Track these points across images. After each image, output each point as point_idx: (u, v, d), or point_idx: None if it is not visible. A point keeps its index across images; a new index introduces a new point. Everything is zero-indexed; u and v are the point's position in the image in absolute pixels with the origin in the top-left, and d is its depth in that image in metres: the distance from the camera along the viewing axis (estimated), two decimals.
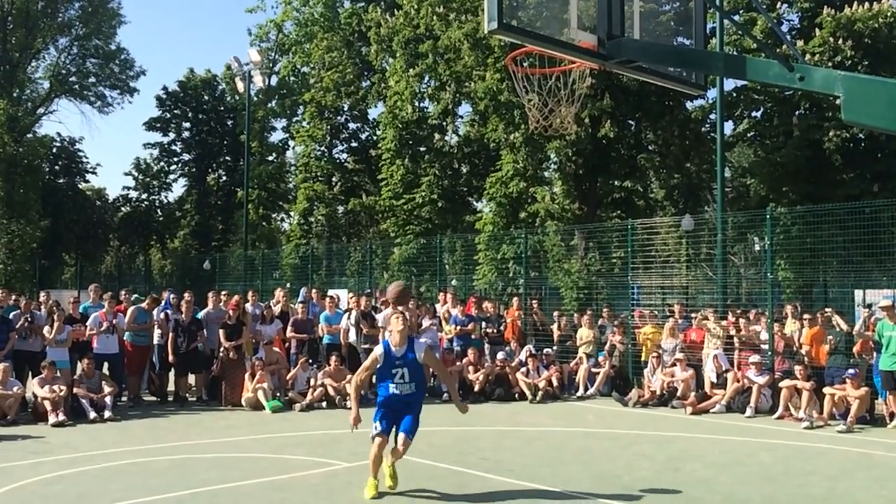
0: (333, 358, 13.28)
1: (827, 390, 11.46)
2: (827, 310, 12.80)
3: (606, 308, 16.55)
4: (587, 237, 23.23)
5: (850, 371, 11.32)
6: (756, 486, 7.77)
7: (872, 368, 11.69)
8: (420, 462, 8.70)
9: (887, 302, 11.79)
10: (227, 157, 45.57)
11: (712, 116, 25.59)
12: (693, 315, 14.82)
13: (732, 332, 13.57)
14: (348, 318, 14.30)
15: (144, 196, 46.77)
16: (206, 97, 45.39)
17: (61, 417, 11.02)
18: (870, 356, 11.90)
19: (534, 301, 17.15)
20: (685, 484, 7.83)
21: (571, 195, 25.95)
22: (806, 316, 12.70)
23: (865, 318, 12.42)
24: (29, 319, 12.50)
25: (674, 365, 13.42)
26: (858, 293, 17.17)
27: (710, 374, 13.10)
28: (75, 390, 11.71)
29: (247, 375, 12.91)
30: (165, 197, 47.25)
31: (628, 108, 25.66)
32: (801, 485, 7.88)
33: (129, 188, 46.55)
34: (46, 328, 12.53)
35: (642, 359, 14.62)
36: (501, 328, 15.46)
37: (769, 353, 12.94)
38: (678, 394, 13.04)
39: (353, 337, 14.11)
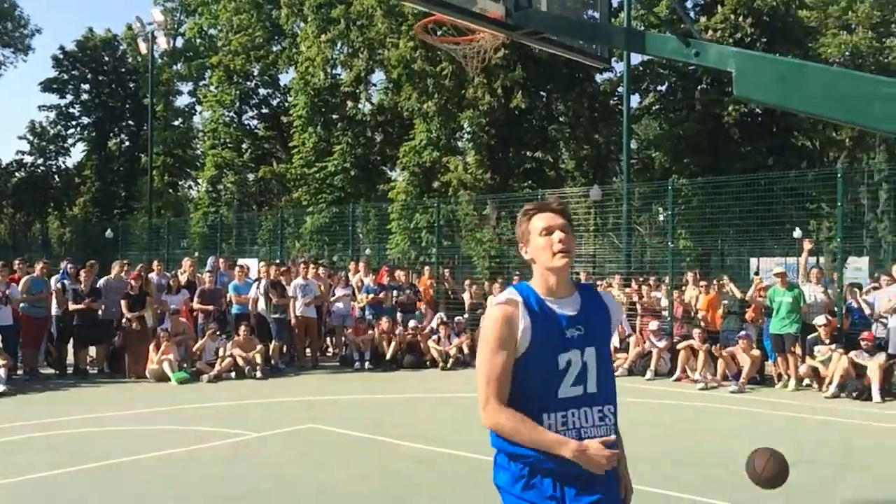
0: (242, 328, 13.08)
1: (721, 353, 12.06)
2: (724, 278, 13.39)
3: (517, 276, 16.86)
4: (499, 207, 23.52)
5: (742, 334, 11.95)
6: (656, 444, 8.14)
7: (763, 332, 12.36)
8: (334, 430, 8.73)
9: (780, 269, 12.48)
10: (130, 122, 43.72)
11: (620, 89, 26.22)
12: (598, 282, 15.28)
13: (635, 298, 14.08)
14: (258, 287, 14.09)
15: (40, 161, 44.43)
16: (106, 58, 43.31)
17: None
18: (761, 320, 12.56)
19: (446, 270, 17.31)
20: None
21: (484, 165, 26.20)
22: (702, 283, 13.27)
23: (757, 284, 13.10)
24: None
25: None
26: (753, 261, 18.07)
27: (614, 339, 13.59)
28: None
29: (151, 347, 12.58)
30: (63, 162, 45.07)
31: (540, 79, 26.00)
32: (697, 442, 8.31)
33: (23, 153, 44.22)
34: None
35: None
36: (414, 297, 15.56)
37: (668, 318, 13.50)
38: None
39: (262, 306, 13.93)
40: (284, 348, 14.05)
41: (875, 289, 12.08)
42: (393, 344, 14.05)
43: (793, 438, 8.41)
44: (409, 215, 24.67)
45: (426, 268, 17.32)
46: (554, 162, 29.57)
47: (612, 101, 28.33)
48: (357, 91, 31.11)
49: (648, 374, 12.61)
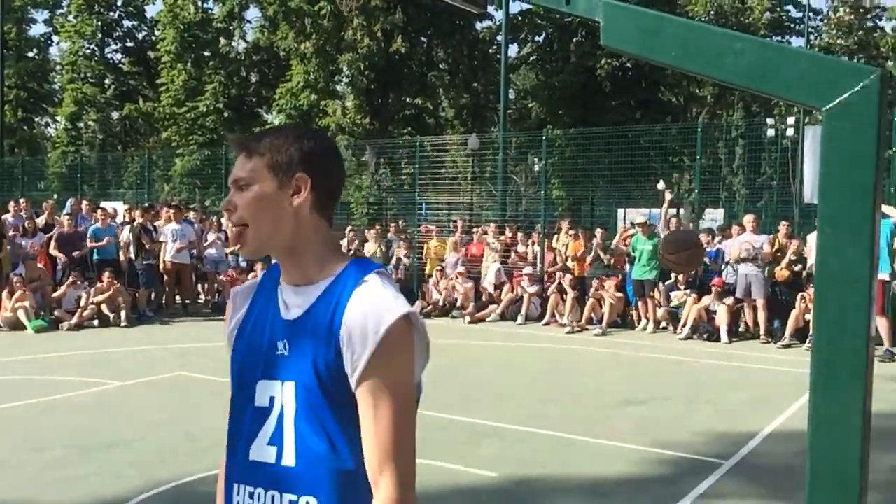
0: (106, 274, 12.51)
1: (589, 295, 12.64)
2: (597, 232, 13.88)
3: (394, 223, 16.91)
4: (378, 153, 23.37)
5: (608, 280, 12.56)
6: (523, 384, 8.52)
7: (626, 278, 13.03)
8: (199, 377, 8.58)
9: (642, 219, 13.15)
10: None
11: (499, 38, 26.40)
12: (475, 230, 15.58)
13: (510, 245, 14.49)
14: (128, 231, 13.45)
15: None
16: None
17: None
18: (624, 267, 13.22)
19: None
20: (462, 386, 8.40)
21: (363, 110, 25.89)
22: (571, 231, 13.78)
23: (622, 233, 13.75)
24: None
25: (456, 278, 14.11)
26: (621, 211, 18.91)
27: (488, 286, 13.96)
28: None
29: (4, 293, 11.83)
30: None
31: (420, 24, 25.80)
32: (562, 382, 8.75)
33: None
34: None
35: (426, 272, 15.21)
36: None
37: (540, 265, 13.98)
38: (458, 304, 13.79)
39: (131, 252, 13.34)
40: (153, 295, 13.57)
41: (726, 238, 12.93)
42: None
43: (649, 376, 9.01)
44: None
45: None
46: (434, 109, 29.60)
47: (490, 50, 28.52)
48: (230, 27, 29.81)
49: (520, 319, 13.07)
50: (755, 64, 1.91)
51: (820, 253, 1.90)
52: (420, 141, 17.39)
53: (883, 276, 9.91)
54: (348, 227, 17.00)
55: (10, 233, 12.90)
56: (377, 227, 16.46)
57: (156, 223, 13.94)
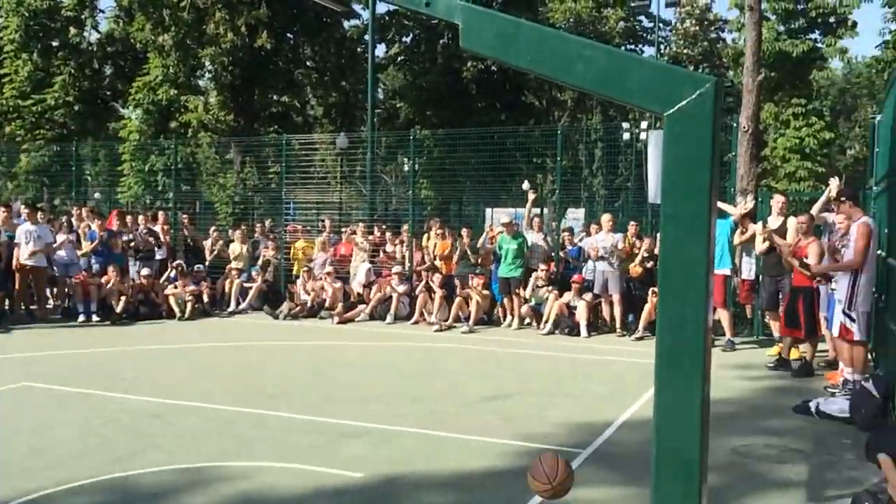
0: None
1: (457, 294, 12.82)
2: (463, 232, 14.05)
3: (260, 223, 16.50)
4: (244, 151, 22.72)
5: (475, 279, 12.80)
6: (391, 383, 8.53)
7: (492, 276, 13.32)
8: (45, 388, 8.04)
9: (507, 219, 13.49)
10: None
11: (367, 37, 26.30)
12: (343, 230, 15.46)
13: (378, 245, 14.47)
14: None
15: None
16: None
17: None
18: (489, 265, 13.50)
19: (184, 216, 16.47)
20: (328, 387, 8.31)
21: (227, 106, 25.08)
22: (439, 231, 13.94)
23: (489, 233, 14.04)
24: None
25: (324, 278, 13.94)
26: (488, 211, 19.32)
27: (357, 286, 13.88)
28: None
29: None
30: None
31: (286, 20, 25.29)
32: (429, 380, 8.82)
33: None
34: None
35: (294, 272, 14.94)
36: (152, 243, 14.61)
37: (409, 264, 14.05)
38: (326, 304, 13.63)
39: None
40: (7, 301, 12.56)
41: (587, 236, 13.48)
42: (124, 294, 13.15)
43: (513, 371, 9.25)
44: (144, 157, 22.99)
45: (160, 213, 16.35)
46: (301, 107, 29.11)
47: (359, 49, 28.37)
48: (82, 17, 28.09)
49: (389, 318, 13.08)
50: (604, 70, 2.00)
51: (662, 250, 2.01)
52: (287, 139, 17.04)
53: (724, 271, 10.64)
54: (212, 228, 16.44)
55: None
56: (243, 227, 16.00)
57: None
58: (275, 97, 27.09)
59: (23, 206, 13.72)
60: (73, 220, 14.91)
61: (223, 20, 22.72)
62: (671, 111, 1.93)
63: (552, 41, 2.05)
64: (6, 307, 12.93)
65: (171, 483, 5.27)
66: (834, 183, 9.64)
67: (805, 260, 8.82)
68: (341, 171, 24.36)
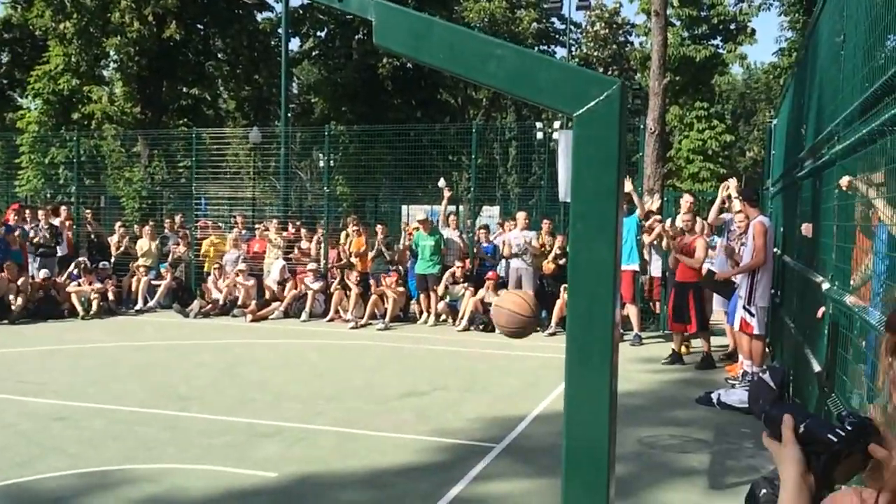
0: None
1: (372, 291, 12.79)
2: (378, 228, 14.01)
3: (169, 219, 16.01)
4: (151, 144, 21.99)
5: (390, 276, 12.80)
6: (306, 382, 8.44)
7: (409, 272, 13.35)
8: None
9: (422, 216, 13.54)
10: None
11: (280, 31, 25.86)
12: (257, 226, 15.18)
13: (293, 242, 14.28)
14: None
15: None
16: None
17: None
18: (406, 262, 13.53)
19: (87, 211, 15.83)
20: (241, 386, 8.16)
21: (133, 98, 24.22)
22: (354, 227, 13.87)
23: (406, 230, 14.06)
24: None
25: (237, 275, 13.66)
26: (404, 208, 19.33)
27: (271, 283, 13.66)
28: None
29: None
30: None
31: (196, 10, 24.63)
32: (344, 378, 8.76)
33: None
34: None
35: (205, 269, 14.58)
36: (52, 238, 13.97)
37: (324, 261, 13.93)
38: (239, 302, 13.37)
39: None
40: None
41: (502, 233, 13.67)
42: (22, 292, 12.54)
43: (429, 368, 9.31)
44: (44, 149, 21.96)
45: (62, 208, 15.66)
46: (212, 100, 28.39)
47: (272, 42, 27.86)
48: None
49: (304, 316, 12.94)
50: (515, 70, 2.05)
51: (572, 247, 2.08)
52: (197, 133, 16.59)
53: (632, 266, 10.99)
54: (118, 223, 15.85)
55: None
56: (151, 222, 15.50)
57: None
58: (184, 89, 26.32)
59: None
60: None
61: (129, 9, 21.93)
62: (580, 111, 1.99)
63: (464, 40, 2.08)
64: None
65: (74, 488, 5.09)
66: (732, 183, 10.08)
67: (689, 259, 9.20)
68: (255, 166, 23.89)
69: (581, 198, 2.02)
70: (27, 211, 14.89)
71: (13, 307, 12.41)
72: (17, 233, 13.46)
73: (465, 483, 5.11)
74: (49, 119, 23.65)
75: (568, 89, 2.02)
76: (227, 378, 8.68)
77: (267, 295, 13.59)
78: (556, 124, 24.37)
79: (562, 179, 11.61)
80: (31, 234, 13.90)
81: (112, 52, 24.13)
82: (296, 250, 14.29)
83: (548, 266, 12.20)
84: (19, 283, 12.60)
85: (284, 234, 14.58)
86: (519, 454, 5.83)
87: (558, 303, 11.60)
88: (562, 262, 11.98)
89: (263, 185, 23.56)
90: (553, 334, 11.52)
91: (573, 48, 37.10)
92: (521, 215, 12.71)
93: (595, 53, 37.65)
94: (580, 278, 2.04)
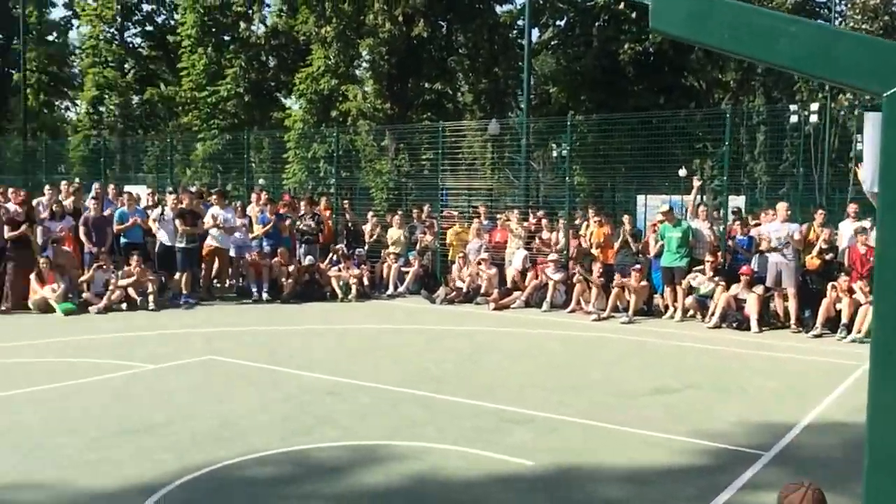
0: (134, 258, 12.55)
1: (613, 284, 12.54)
2: (624, 218, 13.71)
3: (417, 209, 16.81)
4: (398, 138, 23.29)
5: (635, 267, 12.45)
6: (548, 372, 8.47)
7: (652, 265, 12.92)
8: (229, 362, 8.60)
9: (665, 207, 13.03)
10: None
11: (520, 22, 26.19)
12: (498, 216, 15.50)
13: (533, 232, 14.41)
14: (161, 215, 13.41)
15: None
16: None
17: None
18: (649, 254, 13.10)
19: (345, 201, 17.11)
20: (486, 372, 8.37)
21: (383, 95, 25.77)
22: (596, 218, 13.68)
23: (652, 221, 13.62)
24: None
25: (479, 264, 14.06)
26: (640, 198, 18.76)
27: (512, 272, 13.89)
28: None
29: (33, 276, 11.91)
30: None
31: (441, 8, 25.59)
32: (587, 370, 8.68)
33: None
34: None
35: (449, 258, 15.17)
36: (316, 227, 15.29)
37: (565, 251, 13.89)
38: (482, 290, 13.74)
39: (164, 235, 13.30)
40: (184, 278, 13.51)
41: (756, 225, 12.78)
42: (291, 276, 13.84)
43: (676, 365, 8.93)
44: (307, 144, 24.10)
45: (322, 198, 17.09)
46: (453, 94, 29.44)
47: (511, 34, 28.28)
48: (250, 12, 29.74)
49: (545, 306, 13.00)
50: (811, 48, 1.86)
51: (880, 240, 1.85)
52: (442, 125, 17.27)
53: None
54: (370, 213, 16.95)
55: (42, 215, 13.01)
56: (399, 212, 16.42)
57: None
58: (427, 85, 27.54)
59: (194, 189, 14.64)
60: (253, 203, 15.68)
61: (382, 10, 23.35)
62: (891, 91, 1.78)
63: (751, 17, 1.92)
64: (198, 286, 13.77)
65: (347, 459, 5.49)
66: None
67: None
68: (492, 157, 24.46)
69: (892, 187, 1.81)
70: (299, 201, 16.35)
71: (284, 288, 13.73)
72: (286, 221, 14.87)
73: (732, 491, 4.81)
74: (311, 117, 25.89)
75: (876, 67, 1.81)
76: (472, 363, 8.95)
77: (509, 284, 13.84)
78: (814, 106, 22.34)
79: (868, 167, 10.61)
80: (298, 223, 15.27)
81: (365, 53, 25.85)
82: (537, 240, 14.39)
83: (812, 261, 11.20)
84: (290, 267, 13.92)
85: (525, 224, 14.74)
86: (791, 465, 5.38)
87: (824, 302, 10.62)
88: (828, 257, 10.95)
89: (498, 175, 24.05)
90: (818, 336, 10.57)
91: (837, 21, 33.73)
92: (781, 206, 11.77)
93: (864, 27, 33.94)
94: (889, 274, 1.82)
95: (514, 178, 21.35)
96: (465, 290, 13.93)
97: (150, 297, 12.30)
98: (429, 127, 21.59)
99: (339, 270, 14.25)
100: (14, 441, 5.71)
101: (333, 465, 5.38)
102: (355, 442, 5.83)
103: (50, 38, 39.94)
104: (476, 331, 11.17)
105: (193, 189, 15.67)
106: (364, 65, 27.62)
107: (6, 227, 12.19)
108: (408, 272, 14.84)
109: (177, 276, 13.06)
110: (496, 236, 14.95)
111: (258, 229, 14.71)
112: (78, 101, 39.57)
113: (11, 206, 12.65)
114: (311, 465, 5.39)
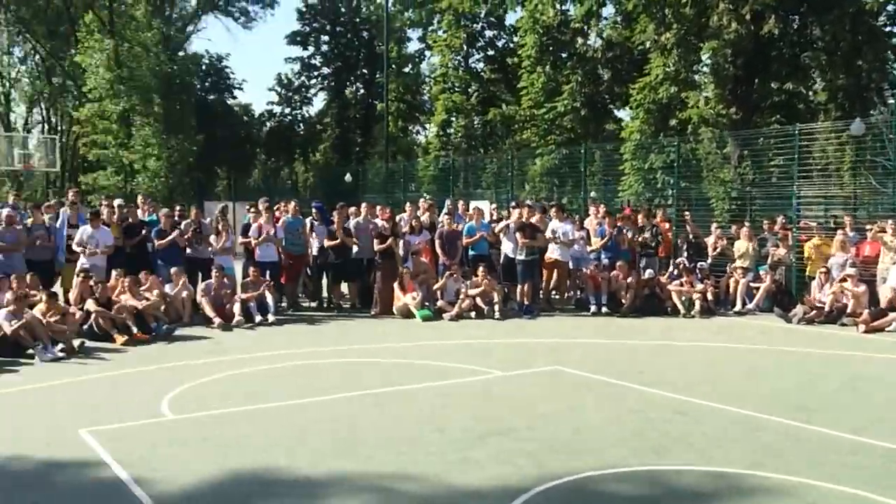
0: (480, 269, 13.26)
1: None
2: None
3: (769, 220, 15.49)
4: (742, 144, 21.79)
5: None
6: None
7: None
8: (574, 373, 8.62)
9: None
10: (365, 70, 45.64)
11: (890, 7, 23.05)
12: (868, 227, 13.68)
13: None
14: (507, 228, 14.03)
15: (287, 110, 47.76)
16: (343, 9, 45.42)
17: (238, 319, 11.85)
18: None
19: (685, 212, 16.40)
20: (867, 404, 7.33)
21: (725, 99, 24.34)
22: None
23: None
24: (197, 228, 13.19)
25: (844, 280, 12.52)
26: None
27: (887, 290, 12.13)
28: (243, 296, 12.36)
29: (396, 285, 13.17)
30: (307, 111, 48.10)
31: (792, 2, 23.51)
32: None
33: (272, 103, 47.74)
34: (213, 237, 13.22)
35: (807, 273, 13.73)
36: (658, 238, 14.87)
37: None
38: (849, 310, 12.20)
39: (508, 247, 13.92)
40: (525, 289, 13.96)
41: None
42: (630, 289, 13.58)
43: None
44: (644, 155, 23.64)
45: (659, 210, 16.55)
46: (805, 94, 26.82)
47: (878, 22, 24.95)
48: (587, 27, 30.12)
49: None
50: None
51: None
52: (798, 129, 15.76)
53: None
54: (713, 224, 16.00)
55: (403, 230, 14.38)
56: (747, 223, 15.28)
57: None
58: (775, 85, 25.40)
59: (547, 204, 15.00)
60: (592, 216, 15.69)
61: (727, 10, 22.10)
62: None
63: None
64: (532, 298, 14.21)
65: (711, 486, 5.12)
66: None
67: None
68: (852, 160, 21.75)
69: None
70: (639, 214, 16.02)
71: (623, 302, 13.51)
72: (626, 234, 14.64)
73: None
74: (648, 127, 25.38)
75: None
76: (847, 393, 7.90)
77: (883, 304, 12.10)
78: None
79: None
80: (637, 235, 14.94)
81: (706, 57, 24.67)
82: None
83: None
84: (629, 280, 13.68)
85: None
86: None
87: None
88: None
89: (859, 181, 21.28)
90: None
91: None
92: None
93: None
94: None
95: (878, 183, 18.74)
96: (827, 309, 12.47)
97: (496, 307, 12.90)
98: (778, 131, 19.86)
99: (681, 285, 13.66)
100: (389, 434, 6.24)
101: (695, 490, 5.05)
102: (715, 468, 5.41)
103: (406, 69, 44.55)
104: (847, 356, 9.91)
105: (529, 202, 16.13)
106: (704, 69, 26.39)
107: (375, 241, 13.64)
108: (757, 288, 13.74)
109: (518, 286, 13.53)
110: (865, 249, 13.20)
111: (596, 242, 14.69)
112: (427, 125, 43.52)
113: (379, 222, 14.17)
114: (671, 487, 5.11)
